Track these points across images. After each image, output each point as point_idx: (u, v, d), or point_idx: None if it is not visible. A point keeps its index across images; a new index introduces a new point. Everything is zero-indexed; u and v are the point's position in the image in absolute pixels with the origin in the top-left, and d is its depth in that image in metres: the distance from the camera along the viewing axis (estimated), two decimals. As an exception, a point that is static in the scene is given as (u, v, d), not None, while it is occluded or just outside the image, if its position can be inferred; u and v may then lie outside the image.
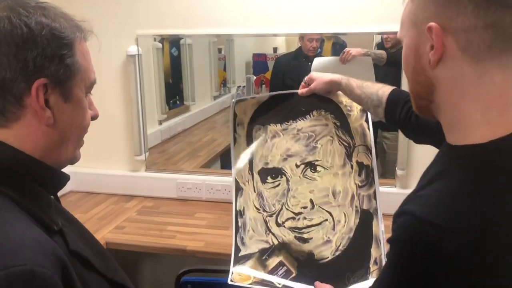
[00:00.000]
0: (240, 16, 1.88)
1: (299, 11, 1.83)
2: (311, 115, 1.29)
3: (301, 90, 1.30)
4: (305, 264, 1.17)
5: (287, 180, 1.25)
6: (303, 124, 1.28)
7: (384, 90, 1.17)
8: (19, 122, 0.65)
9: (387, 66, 2.01)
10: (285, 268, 1.16)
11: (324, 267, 1.15)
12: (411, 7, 0.69)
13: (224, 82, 3.09)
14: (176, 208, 1.96)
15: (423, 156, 1.53)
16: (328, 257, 1.16)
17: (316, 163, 1.25)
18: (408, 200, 0.69)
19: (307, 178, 1.24)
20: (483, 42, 0.62)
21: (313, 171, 1.24)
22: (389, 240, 0.68)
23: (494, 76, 0.62)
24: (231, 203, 2.02)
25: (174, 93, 2.53)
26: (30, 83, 0.63)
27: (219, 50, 2.96)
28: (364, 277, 1.10)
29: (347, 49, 2.04)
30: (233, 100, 1.35)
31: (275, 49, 2.88)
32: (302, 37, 2.32)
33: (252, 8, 1.86)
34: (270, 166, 1.27)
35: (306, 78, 1.31)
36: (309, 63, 2.39)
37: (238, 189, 1.28)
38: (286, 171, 1.26)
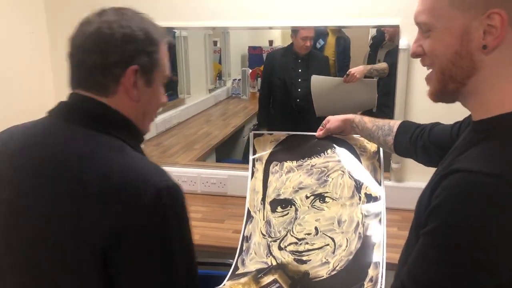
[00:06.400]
0: (236, 9, 1.87)
1: (295, 4, 1.82)
2: (325, 153, 1.36)
3: (318, 133, 1.39)
4: (298, 282, 1.18)
5: (296, 210, 1.30)
6: (317, 160, 1.35)
7: (395, 121, 1.25)
8: (116, 96, 0.85)
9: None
10: (277, 285, 1.17)
11: (318, 285, 1.15)
12: None
13: (220, 75, 3.08)
14: (171, 201, 1.96)
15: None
16: (323, 276, 1.16)
17: (325, 194, 1.30)
18: (445, 170, 0.69)
19: (315, 208, 1.29)
20: None
21: (321, 202, 1.29)
22: (430, 213, 0.67)
23: None
24: (226, 196, 2.04)
25: (169, 86, 2.52)
26: (126, 68, 0.83)
27: (215, 43, 2.94)
28: None
29: (352, 72, 2.01)
30: (250, 133, 1.45)
31: (271, 42, 2.87)
32: (295, 34, 2.30)
33: (248, 1, 1.85)
34: (281, 197, 1.34)
35: (324, 121, 1.40)
36: (299, 61, 2.37)
37: (249, 217, 1.34)
38: (296, 201, 1.31)
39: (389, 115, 1.80)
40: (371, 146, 1.34)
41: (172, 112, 2.50)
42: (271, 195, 1.35)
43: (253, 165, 1.40)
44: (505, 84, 0.70)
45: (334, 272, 1.17)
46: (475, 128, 0.74)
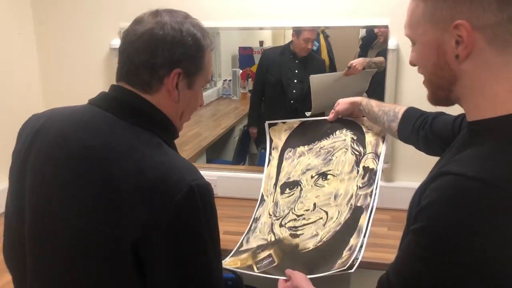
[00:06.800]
0: (226, 9, 1.87)
1: (285, 4, 1.82)
2: (334, 135, 1.42)
3: (329, 116, 1.45)
4: (288, 255, 1.22)
5: (301, 190, 1.36)
6: (325, 142, 1.42)
7: (400, 107, 1.28)
8: (158, 94, 0.90)
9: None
10: (270, 259, 1.22)
11: (304, 257, 1.19)
12: (424, 7, 0.74)
13: (210, 75, 3.07)
14: (161, 202, 1.95)
15: (405, 150, 1.54)
16: (309, 248, 1.21)
17: (328, 172, 1.35)
18: (437, 170, 0.70)
19: (317, 186, 1.35)
20: (509, 33, 0.69)
21: (323, 179, 1.35)
22: (418, 213, 0.68)
23: None
24: (217, 197, 2.02)
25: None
26: (171, 70, 0.88)
27: (205, 44, 2.93)
28: (333, 263, 1.12)
29: (353, 64, 2.01)
30: (265, 123, 1.50)
31: (261, 43, 2.86)
32: (297, 34, 2.28)
33: (238, 1, 1.85)
34: (290, 180, 1.40)
35: (335, 105, 1.45)
36: (296, 61, 2.36)
37: (262, 200, 1.41)
38: (302, 182, 1.38)
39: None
40: (378, 127, 1.38)
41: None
42: (282, 179, 1.42)
43: (270, 153, 1.47)
44: (491, 87, 0.72)
45: (320, 243, 1.21)
46: (469, 129, 0.77)
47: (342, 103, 1.43)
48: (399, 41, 1.71)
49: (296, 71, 2.38)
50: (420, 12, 0.75)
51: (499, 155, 0.66)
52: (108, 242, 0.80)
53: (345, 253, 1.12)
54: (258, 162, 2.38)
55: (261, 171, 2.05)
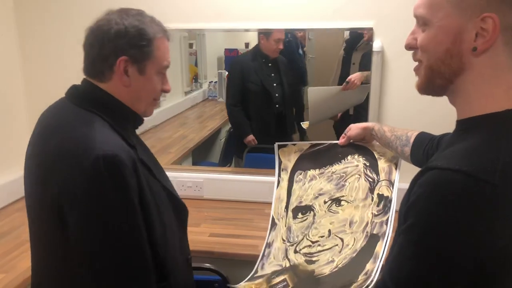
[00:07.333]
0: (212, 11, 1.86)
1: (271, 6, 1.82)
2: (346, 159, 1.40)
3: (340, 140, 1.43)
4: (303, 279, 1.22)
5: (314, 215, 1.35)
6: (337, 167, 1.40)
7: (413, 131, 1.29)
8: (111, 81, 1.03)
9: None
10: (285, 283, 1.22)
11: (319, 280, 1.19)
12: None
13: (196, 77, 3.05)
14: (146, 205, 1.93)
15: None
16: (325, 273, 1.20)
17: (342, 198, 1.34)
18: (424, 166, 0.72)
19: (331, 212, 1.33)
20: None
21: (337, 205, 1.34)
22: (407, 210, 0.69)
23: None
24: (203, 199, 2.02)
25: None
26: (117, 58, 1.00)
27: (190, 45, 2.91)
28: (348, 286, 1.12)
29: (351, 79, 2.00)
30: (275, 144, 1.49)
31: (247, 45, 2.85)
32: (266, 36, 2.26)
33: (223, 3, 1.85)
34: (303, 204, 1.39)
35: (346, 130, 1.43)
36: (269, 64, 2.34)
37: (273, 224, 1.39)
38: (315, 207, 1.36)
39: (365, 116, 1.82)
40: (390, 153, 1.36)
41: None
42: (293, 203, 1.40)
43: (279, 175, 1.45)
44: (489, 87, 0.73)
45: (336, 269, 1.20)
46: (458, 127, 0.77)
47: (354, 128, 1.40)
48: (383, 43, 1.72)
49: (272, 74, 2.38)
50: None
51: (483, 149, 0.68)
52: (45, 205, 0.96)
53: (361, 277, 1.12)
54: (244, 164, 2.37)
55: (247, 173, 2.06)
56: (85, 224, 0.93)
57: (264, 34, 2.26)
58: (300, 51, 2.58)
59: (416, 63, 0.81)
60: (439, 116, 1.60)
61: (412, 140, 1.25)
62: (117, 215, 0.93)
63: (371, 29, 1.74)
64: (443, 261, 0.65)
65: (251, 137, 2.37)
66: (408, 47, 0.80)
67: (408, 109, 1.76)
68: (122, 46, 1.00)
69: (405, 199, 0.74)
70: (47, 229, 0.99)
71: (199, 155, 2.59)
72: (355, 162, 1.38)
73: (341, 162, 1.40)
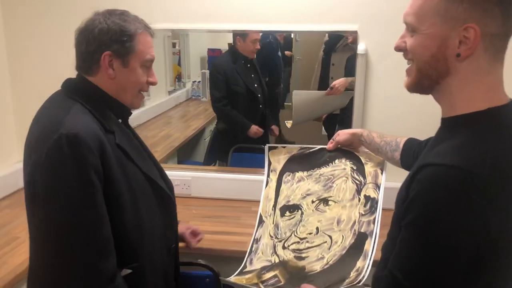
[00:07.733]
0: (196, 12, 1.88)
1: (255, 8, 1.85)
2: (333, 163, 1.45)
3: (328, 145, 1.47)
4: (295, 275, 1.26)
5: (302, 213, 1.40)
6: (325, 170, 1.45)
7: (402, 138, 1.34)
8: (98, 74, 1.13)
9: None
10: (276, 279, 1.26)
11: (311, 277, 1.24)
12: (439, 2, 0.78)
13: (179, 77, 3.05)
14: (133, 203, 1.93)
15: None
16: (317, 270, 1.25)
17: (329, 198, 1.39)
18: (419, 163, 0.78)
19: (318, 210, 1.38)
20: (501, 45, 0.78)
21: (325, 205, 1.38)
22: (408, 205, 0.75)
23: (498, 70, 0.81)
24: (190, 197, 2.04)
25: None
26: (102, 53, 1.10)
27: (174, 45, 2.92)
28: (340, 282, 1.17)
29: (335, 85, 2.06)
30: (265, 146, 1.53)
31: (230, 45, 2.88)
32: (243, 38, 2.28)
33: (208, 4, 1.87)
34: (290, 203, 1.43)
35: (334, 135, 1.47)
36: (248, 65, 2.38)
37: (261, 222, 1.43)
38: (303, 206, 1.41)
39: (349, 116, 1.87)
40: (376, 158, 1.41)
41: (132, 114, 2.46)
42: (281, 202, 1.45)
43: (268, 175, 1.49)
44: (471, 89, 0.80)
45: (327, 266, 1.24)
46: (443, 125, 0.84)
47: (342, 134, 1.44)
48: (368, 45, 1.78)
49: (252, 75, 2.41)
50: (433, 5, 0.79)
51: (472, 145, 0.75)
52: (27, 185, 1.05)
53: (353, 274, 1.18)
54: (230, 163, 2.39)
55: (235, 172, 2.09)
56: (46, 198, 1.01)
57: (240, 35, 2.27)
58: (279, 53, 2.63)
59: (409, 65, 0.87)
60: (422, 116, 1.66)
61: (401, 145, 1.30)
62: (72, 190, 0.99)
63: (355, 32, 1.79)
64: (446, 250, 0.72)
65: (254, 128, 2.38)
66: (398, 49, 0.87)
67: (391, 110, 1.82)
68: (106, 42, 1.10)
69: (402, 194, 0.80)
70: (27, 209, 1.07)
71: (184, 155, 2.61)
72: (343, 166, 1.43)
73: (329, 165, 1.45)
